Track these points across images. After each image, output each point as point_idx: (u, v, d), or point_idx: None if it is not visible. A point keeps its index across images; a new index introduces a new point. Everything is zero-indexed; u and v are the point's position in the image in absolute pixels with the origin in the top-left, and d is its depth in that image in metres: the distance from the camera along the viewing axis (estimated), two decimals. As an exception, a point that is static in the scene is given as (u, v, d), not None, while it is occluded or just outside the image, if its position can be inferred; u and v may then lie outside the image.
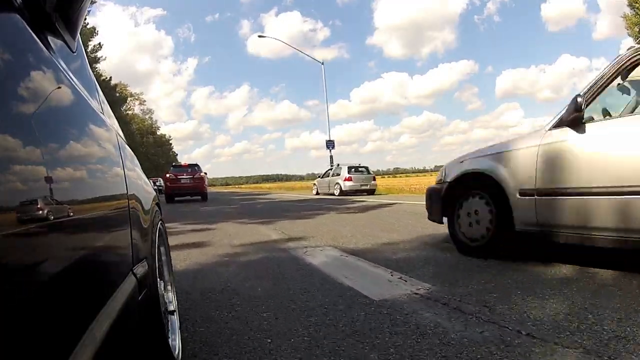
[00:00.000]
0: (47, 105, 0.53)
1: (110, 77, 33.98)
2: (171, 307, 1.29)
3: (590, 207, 1.86)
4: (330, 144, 17.33)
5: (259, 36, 18.29)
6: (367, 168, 13.83)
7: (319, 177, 15.45)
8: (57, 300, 0.44)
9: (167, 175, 12.57)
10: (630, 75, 1.99)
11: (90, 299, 0.56)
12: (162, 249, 1.30)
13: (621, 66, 1.94)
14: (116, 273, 0.71)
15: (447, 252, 2.56)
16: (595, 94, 1.99)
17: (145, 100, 49.98)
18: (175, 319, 1.27)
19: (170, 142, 57.30)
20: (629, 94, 2.13)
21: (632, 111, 2.06)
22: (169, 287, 1.35)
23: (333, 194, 13.11)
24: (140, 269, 0.86)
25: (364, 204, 8.00)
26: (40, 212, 0.42)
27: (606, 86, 2.01)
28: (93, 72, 1.01)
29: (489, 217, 2.30)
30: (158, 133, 52.42)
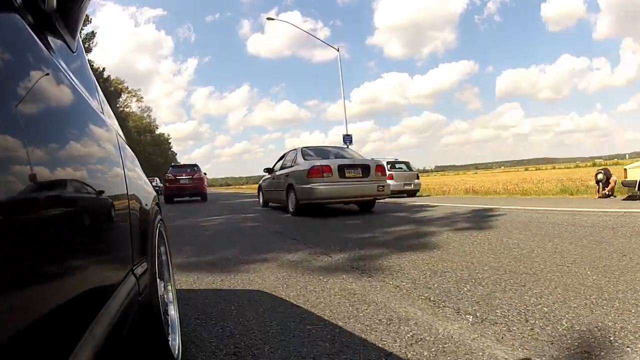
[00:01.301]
0: (47, 105, 0.53)
1: (104, 69, 33.66)
2: (171, 307, 1.29)
3: (273, 194, 7.36)
4: (347, 139, 15.29)
5: (268, 19, 17.13)
6: (407, 164, 11.19)
7: None
8: (58, 300, 0.44)
9: (167, 175, 12.59)
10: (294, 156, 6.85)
11: (91, 298, 0.56)
12: (162, 249, 1.30)
13: (283, 155, 7.34)
14: (116, 273, 0.71)
15: None
16: (275, 165, 7.48)
17: (142, 97, 49.45)
18: (175, 318, 1.27)
19: (169, 141, 57.23)
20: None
21: (285, 168, 6.61)
22: (169, 287, 1.35)
23: None
24: (140, 269, 0.86)
25: (445, 210, 5.81)
26: (41, 212, 0.42)
27: (279, 162, 7.37)
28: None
29: (261, 199, 8.48)
30: (156, 132, 52.21)
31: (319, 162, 5.65)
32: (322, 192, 5.39)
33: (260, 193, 8.45)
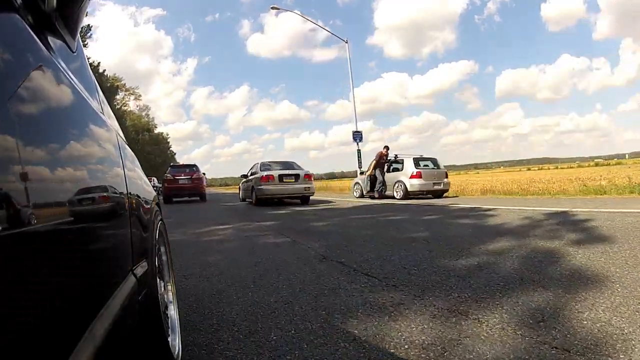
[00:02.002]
0: (47, 105, 0.53)
1: (99, 63, 32.99)
2: (171, 307, 1.29)
3: (244, 193, 11.28)
4: (357, 136, 14.39)
5: (272, 8, 16.14)
6: (434, 160, 9.98)
7: (361, 172, 12.10)
8: (58, 300, 0.44)
9: (166, 175, 12.60)
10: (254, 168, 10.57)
11: (91, 298, 0.56)
12: (162, 248, 1.30)
13: (252, 166, 10.76)
14: (116, 273, 0.71)
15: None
16: (248, 172, 10.77)
17: (140, 95, 48.50)
18: (175, 318, 1.27)
19: (168, 140, 56.90)
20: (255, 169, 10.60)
21: (252, 175, 10.15)
22: (169, 287, 1.35)
23: (393, 197, 9.68)
24: (140, 269, 0.86)
25: (513, 215, 4.73)
26: (40, 212, 0.42)
27: (250, 170, 10.69)
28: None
29: (240, 195, 12.27)
30: (155, 131, 51.78)
31: (266, 173, 9.08)
32: (268, 191, 8.96)
33: (240, 192, 12.18)
